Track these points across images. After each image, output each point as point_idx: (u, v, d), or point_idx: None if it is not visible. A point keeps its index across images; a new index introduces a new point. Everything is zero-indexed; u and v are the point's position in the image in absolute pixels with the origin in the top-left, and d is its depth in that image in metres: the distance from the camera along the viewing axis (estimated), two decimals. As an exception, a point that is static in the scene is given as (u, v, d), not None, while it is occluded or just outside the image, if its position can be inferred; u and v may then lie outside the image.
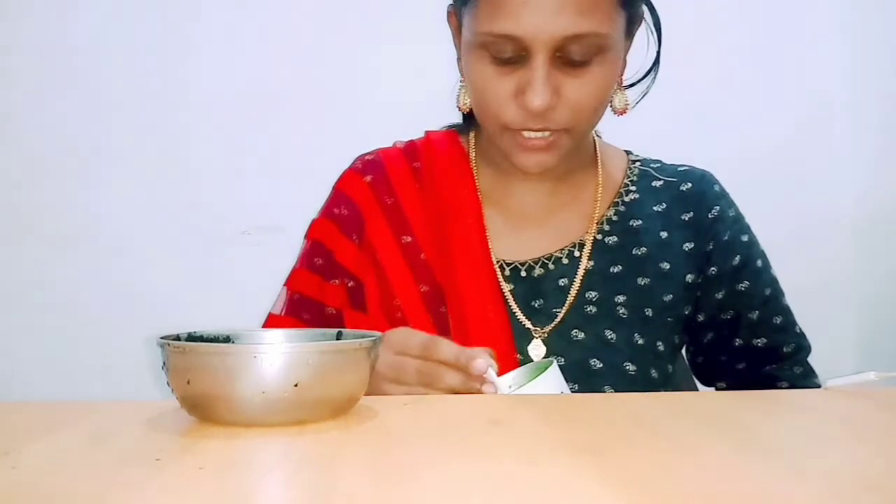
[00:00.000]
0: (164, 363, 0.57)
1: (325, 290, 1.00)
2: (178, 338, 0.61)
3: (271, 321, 1.01)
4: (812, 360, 1.02)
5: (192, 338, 0.62)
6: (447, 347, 0.75)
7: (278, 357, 0.54)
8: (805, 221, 1.43)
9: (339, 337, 0.65)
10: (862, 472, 0.46)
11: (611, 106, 0.96)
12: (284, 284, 1.04)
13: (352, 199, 1.02)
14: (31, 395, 1.36)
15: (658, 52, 0.99)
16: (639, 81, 1.00)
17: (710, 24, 1.42)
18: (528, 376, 0.75)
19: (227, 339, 0.64)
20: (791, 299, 1.02)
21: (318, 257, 1.02)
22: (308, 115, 1.39)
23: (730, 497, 0.41)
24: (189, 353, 0.56)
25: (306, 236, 1.05)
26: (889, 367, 0.72)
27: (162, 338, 0.58)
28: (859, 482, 0.44)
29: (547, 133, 0.89)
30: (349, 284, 0.99)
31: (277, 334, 0.67)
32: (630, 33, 0.93)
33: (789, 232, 1.40)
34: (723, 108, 1.42)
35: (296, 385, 0.54)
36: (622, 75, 0.96)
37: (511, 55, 0.86)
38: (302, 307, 1.00)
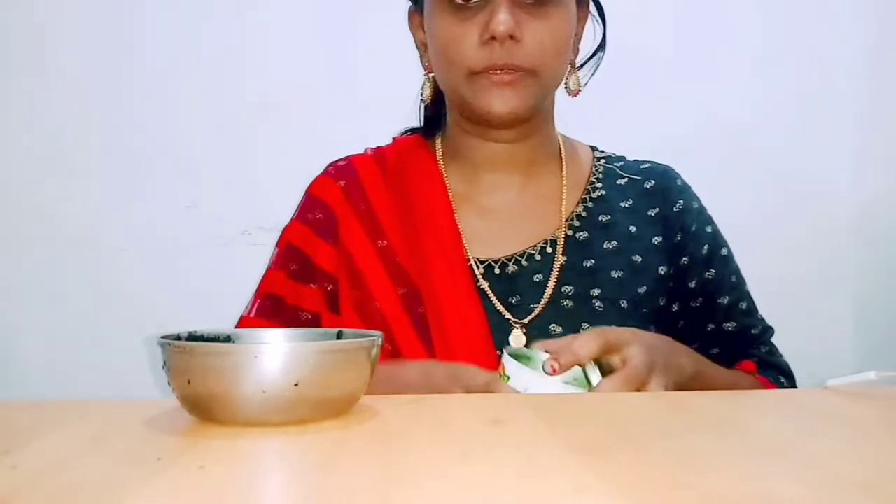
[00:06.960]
0: (164, 363, 0.57)
1: (301, 295, 1.01)
2: (178, 337, 0.61)
3: (243, 324, 1.02)
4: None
5: (192, 337, 0.62)
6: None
7: (278, 357, 0.54)
8: (805, 221, 1.43)
9: (339, 336, 0.65)
10: (862, 472, 0.46)
11: (566, 87, 1.02)
12: (258, 288, 1.05)
13: (326, 202, 1.04)
14: (31, 395, 1.36)
15: (604, 37, 1.05)
16: (587, 61, 1.06)
17: (711, 22, 1.42)
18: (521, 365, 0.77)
19: (227, 339, 0.64)
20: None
21: (293, 263, 1.03)
22: (308, 115, 1.39)
23: (730, 497, 0.41)
24: (189, 353, 0.56)
25: (279, 242, 1.06)
26: (889, 367, 0.72)
27: (162, 337, 0.58)
28: (859, 482, 0.44)
29: (513, 71, 0.93)
30: (328, 288, 1.00)
31: (277, 334, 0.67)
32: (581, 4, 1.01)
33: (790, 232, 1.40)
34: (725, 107, 1.42)
35: (296, 384, 0.54)
36: (575, 57, 1.02)
37: None
38: (275, 311, 1.01)
